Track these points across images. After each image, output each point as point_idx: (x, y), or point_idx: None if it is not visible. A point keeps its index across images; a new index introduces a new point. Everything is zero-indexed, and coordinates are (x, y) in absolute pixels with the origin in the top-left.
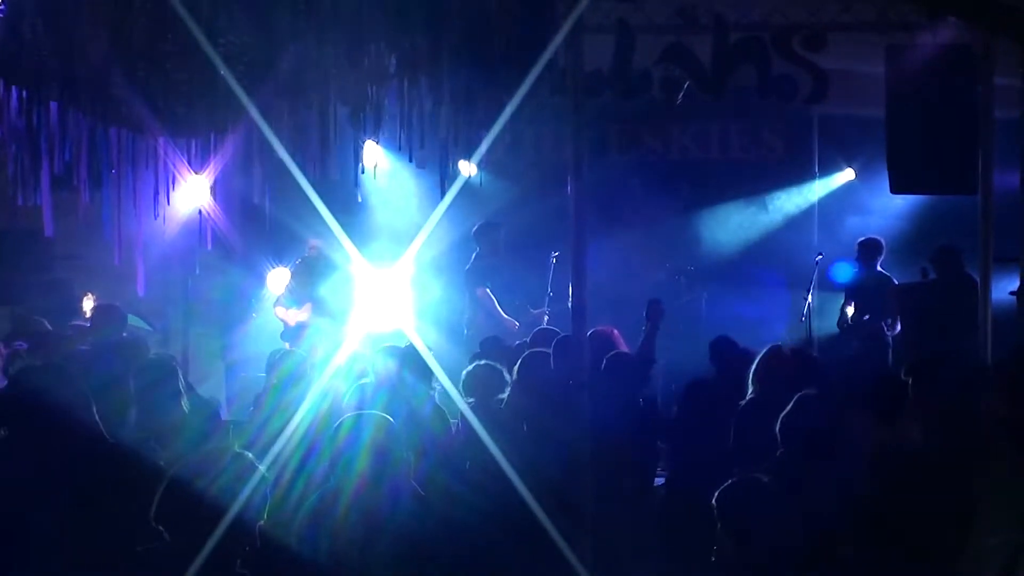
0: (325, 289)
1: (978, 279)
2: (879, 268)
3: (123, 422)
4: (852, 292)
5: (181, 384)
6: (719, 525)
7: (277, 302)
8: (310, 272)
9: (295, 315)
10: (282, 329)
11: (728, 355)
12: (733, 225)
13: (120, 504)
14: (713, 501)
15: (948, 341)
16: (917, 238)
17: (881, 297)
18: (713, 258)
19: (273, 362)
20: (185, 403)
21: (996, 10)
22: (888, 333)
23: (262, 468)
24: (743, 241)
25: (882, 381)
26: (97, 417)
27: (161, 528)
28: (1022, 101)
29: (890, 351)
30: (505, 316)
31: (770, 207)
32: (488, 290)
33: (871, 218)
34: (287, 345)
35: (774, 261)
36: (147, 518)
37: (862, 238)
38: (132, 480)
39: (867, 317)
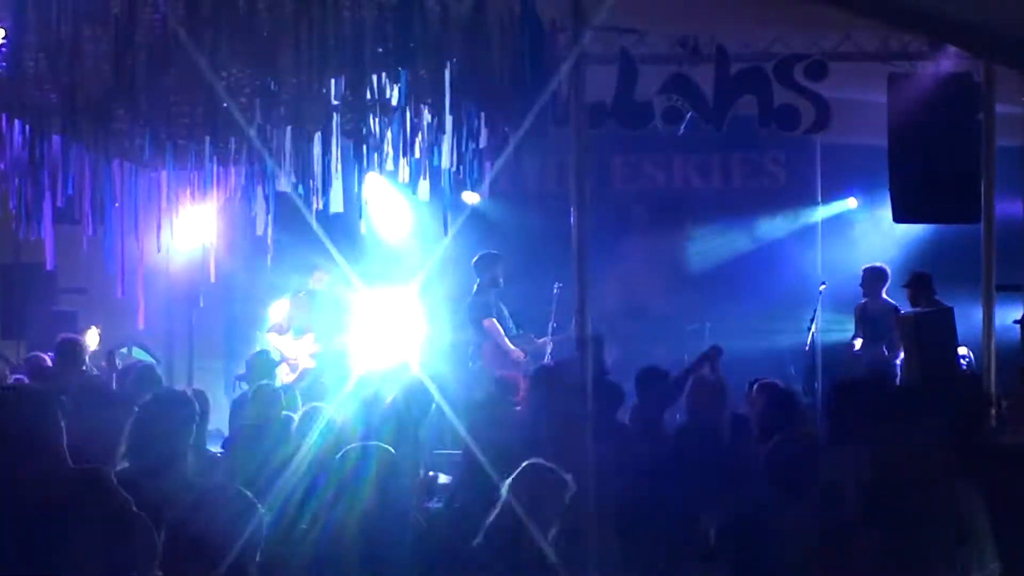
0: (328, 319)
1: (981, 306)
2: (884, 296)
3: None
4: (859, 322)
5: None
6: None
7: (271, 329)
8: (313, 303)
9: (292, 344)
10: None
11: (653, 385)
12: (735, 254)
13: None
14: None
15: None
16: (920, 267)
17: (886, 326)
18: (716, 287)
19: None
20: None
21: (997, 39)
22: (890, 359)
23: (262, 509)
24: (746, 270)
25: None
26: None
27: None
28: None
29: (897, 379)
30: (512, 347)
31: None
32: (495, 320)
33: (874, 247)
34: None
35: (777, 290)
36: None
37: (866, 265)
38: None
39: (861, 344)
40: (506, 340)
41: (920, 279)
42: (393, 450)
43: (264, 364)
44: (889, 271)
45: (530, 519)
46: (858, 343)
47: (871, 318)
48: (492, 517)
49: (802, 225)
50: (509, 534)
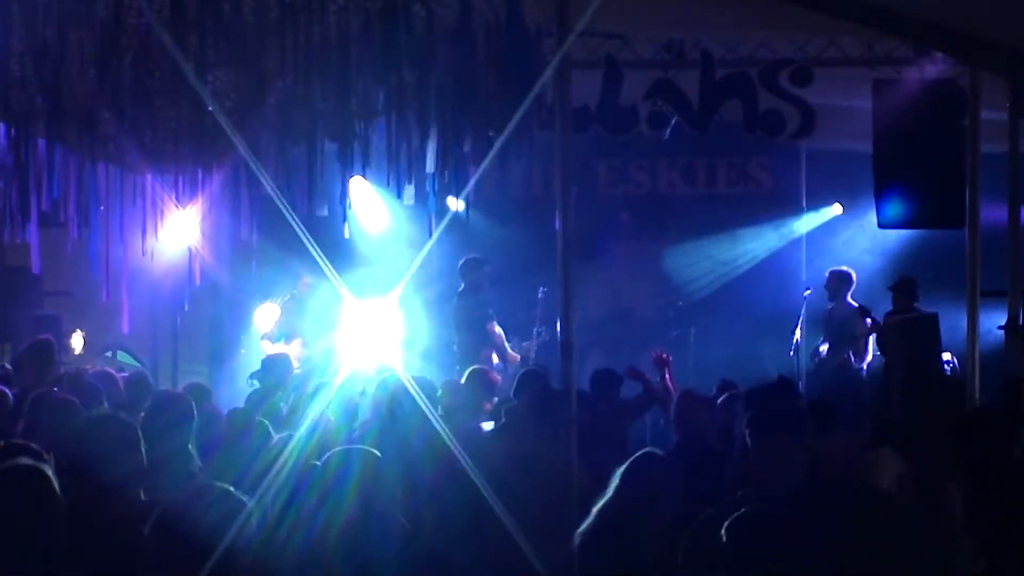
0: (315, 324)
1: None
2: (848, 300)
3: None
4: (825, 327)
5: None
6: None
7: (264, 336)
8: (301, 308)
9: (282, 350)
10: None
11: (608, 390)
12: (720, 259)
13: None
14: (723, 531)
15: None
16: (904, 272)
17: (851, 330)
18: (701, 292)
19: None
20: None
21: (982, 45)
22: (856, 365)
23: (250, 504)
24: (730, 275)
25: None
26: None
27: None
28: (1008, 135)
29: (863, 383)
30: (511, 352)
31: (757, 239)
32: (496, 325)
33: (858, 252)
34: (255, 383)
35: (762, 295)
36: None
37: (831, 269)
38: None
39: (827, 349)
40: (507, 345)
41: (906, 283)
42: (378, 453)
43: (280, 366)
44: (854, 275)
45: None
46: (824, 348)
47: (836, 322)
48: (603, 502)
49: (787, 230)
50: (620, 518)
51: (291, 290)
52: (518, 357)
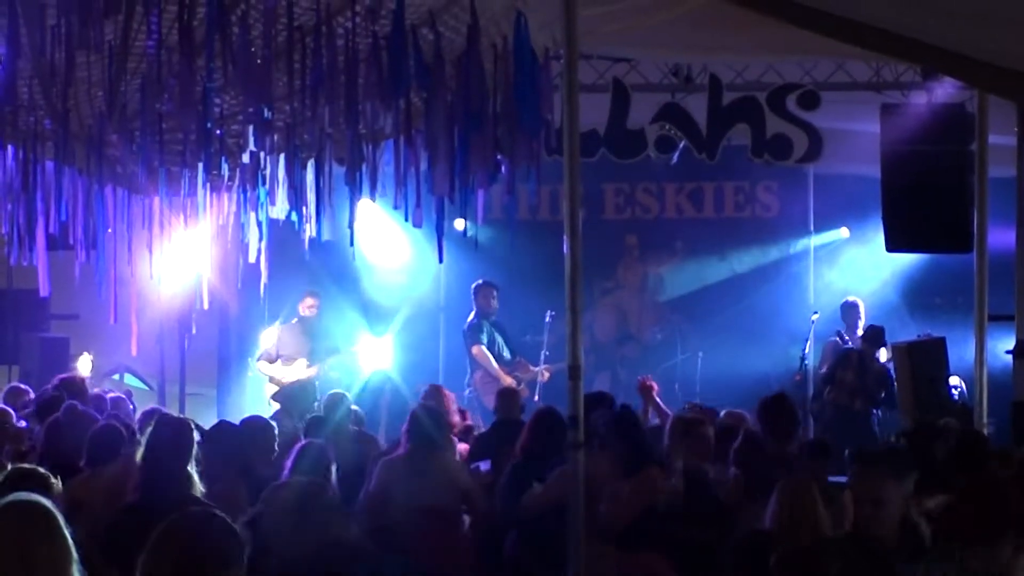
0: (321, 344)
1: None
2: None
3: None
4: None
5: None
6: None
7: (260, 356)
8: (306, 328)
9: (282, 371)
10: (269, 386)
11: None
12: (727, 282)
13: None
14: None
15: None
16: (912, 296)
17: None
18: (708, 315)
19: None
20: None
21: (989, 69)
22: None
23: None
24: (738, 299)
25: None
26: None
27: None
28: (1016, 159)
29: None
30: (504, 374)
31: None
32: (484, 348)
33: (866, 276)
34: (276, 404)
35: (770, 319)
36: None
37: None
38: None
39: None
40: (495, 366)
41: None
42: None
43: (302, 395)
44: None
45: None
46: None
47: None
48: None
49: (795, 254)
50: None
51: (295, 311)
52: (512, 381)
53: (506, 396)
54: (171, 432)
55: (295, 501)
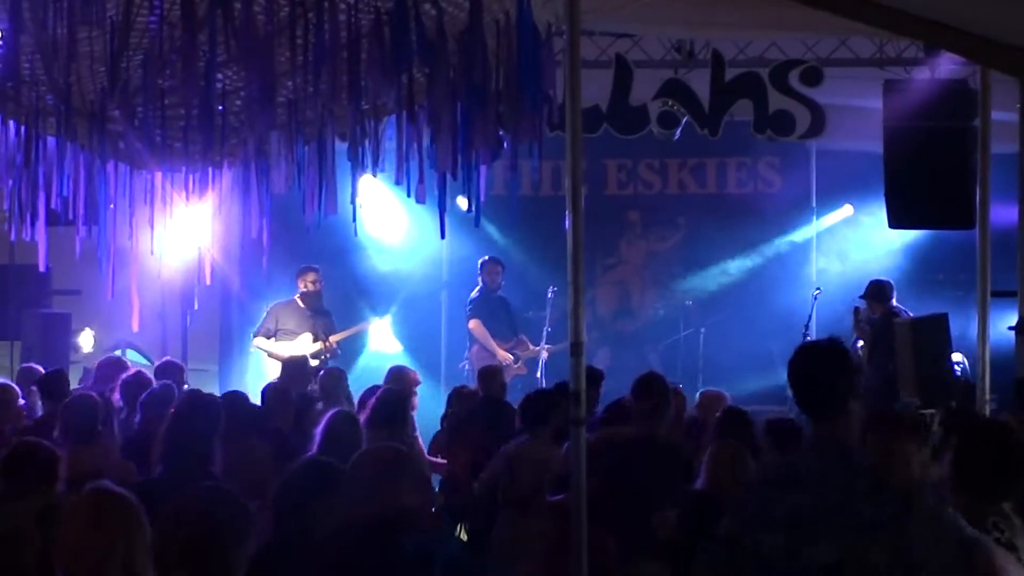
0: (325, 319)
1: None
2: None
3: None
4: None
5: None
6: None
7: (257, 332)
8: (309, 304)
9: (280, 347)
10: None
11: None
12: (729, 258)
13: None
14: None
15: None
16: (916, 272)
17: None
18: (711, 292)
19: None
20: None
21: (992, 45)
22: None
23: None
24: (740, 274)
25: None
26: None
27: None
28: (1019, 135)
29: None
30: (500, 350)
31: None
32: (480, 322)
33: (869, 252)
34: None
35: (772, 295)
36: None
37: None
38: None
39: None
40: (491, 341)
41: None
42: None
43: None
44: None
45: None
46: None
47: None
48: None
49: (797, 230)
50: None
51: (297, 288)
52: (509, 357)
53: (486, 375)
54: (199, 409)
55: (384, 464)
